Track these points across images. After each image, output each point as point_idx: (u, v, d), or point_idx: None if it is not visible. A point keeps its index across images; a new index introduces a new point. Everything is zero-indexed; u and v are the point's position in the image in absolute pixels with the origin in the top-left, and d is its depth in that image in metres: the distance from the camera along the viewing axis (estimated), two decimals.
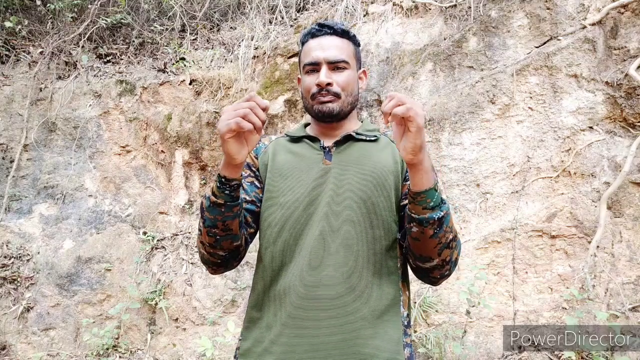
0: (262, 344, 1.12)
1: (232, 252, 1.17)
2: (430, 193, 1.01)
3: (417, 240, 1.07)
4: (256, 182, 1.27)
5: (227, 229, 1.11)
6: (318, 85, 1.22)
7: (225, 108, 1.00)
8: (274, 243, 1.18)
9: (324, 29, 1.26)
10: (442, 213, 1.03)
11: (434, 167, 1.05)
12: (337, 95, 1.23)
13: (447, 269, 1.11)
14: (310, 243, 1.13)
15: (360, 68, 1.33)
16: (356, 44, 1.32)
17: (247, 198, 1.24)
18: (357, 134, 1.27)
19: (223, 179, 1.06)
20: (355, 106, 1.30)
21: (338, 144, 1.25)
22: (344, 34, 1.27)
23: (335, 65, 1.23)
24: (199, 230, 1.15)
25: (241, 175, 1.09)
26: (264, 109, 1.00)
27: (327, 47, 1.24)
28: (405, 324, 1.16)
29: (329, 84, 1.21)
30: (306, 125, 1.38)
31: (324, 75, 1.21)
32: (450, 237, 1.07)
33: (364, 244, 1.14)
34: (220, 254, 1.16)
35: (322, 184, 1.19)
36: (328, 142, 1.27)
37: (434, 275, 1.13)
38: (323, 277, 1.10)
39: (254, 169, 1.29)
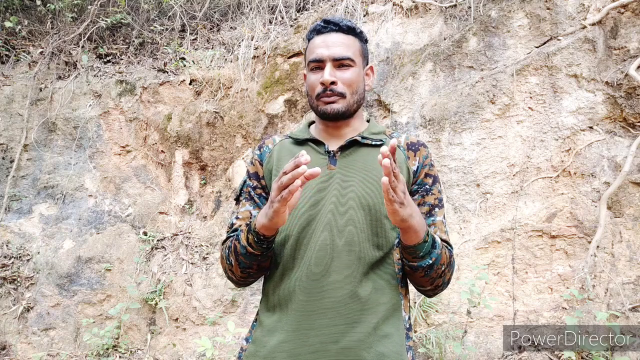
0: (266, 347, 1.12)
1: (260, 276, 1.26)
2: (419, 246, 1.06)
3: (410, 275, 1.16)
4: (264, 194, 1.28)
5: (261, 268, 1.19)
6: (322, 84, 1.20)
7: (274, 185, 0.99)
8: (281, 249, 1.19)
9: (329, 25, 1.24)
10: (431, 260, 1.09)
11: (424, 222, 1.08)
12: (342, 95, 1.20)
13: (440, 289, 1.20)
14: (313, 249, 1.13)
15: (367, 64, 1.31)
16: (363, 40, 1.29)
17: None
18: (362, 137, 1.23)
19: (262, 237, 1.09)
20: (362, 103, 1.28)
21: (343, 148, 1.22)
22: (350, 30, 1.25)
23: (340, 63, 1.21)
24: (229, 262, 1.19)
25: (277, 231, 1.12)
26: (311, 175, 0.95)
27: (332, 45, 1.21)
28: (407, 327, 1.17)
29: (333, 83, 1.19)
30: (310, 124, 1.35)
31: (327, 74, 1.19)
32: (441, 270, 1.13)
33: (367, 250, 1.13)
34: (250, 280, 1.24)
35: (326, 189, 1.17)
36: (333, 146, 1.24)
37: (427, 294, 1.23)
38: (326, 283, 1.10)
39: (260, 177, 1.29)
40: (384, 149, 0.90)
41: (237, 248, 1.15)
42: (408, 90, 3.62)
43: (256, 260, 1.14)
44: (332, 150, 1.23)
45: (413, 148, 1.25)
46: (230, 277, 1.25)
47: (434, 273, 1.11)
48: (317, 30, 1.26)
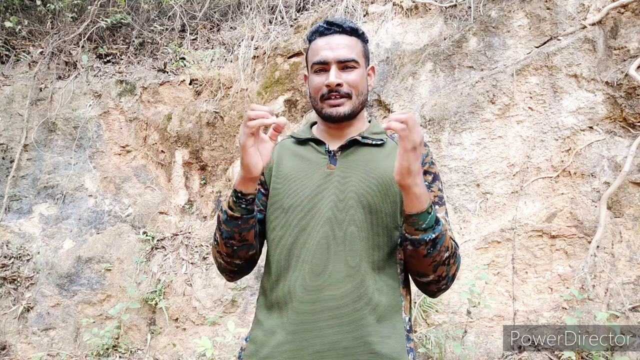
0: (266, 347, 1.12)
1: (248, 260, 1.23)
2: (422, 216, 1.04)
3: (412, 258, 1.11)
4: (262, 189, 1.28)
5: (244, 240, 1.16)
6: (328, 86, 1.19)
7: (241, 125, 1.07)
8: (278, 247, 1.18)
9: (332, 27, 1.23)
10: (434, 235, 1.05)
11: (427, 193, 1.06)
12: (348, 96, 1.20)
13: (443, 283, 1.14)
14: (313, 247, 1.13)
15: (368, 65, 1.31)
16: (365, 41, 1.29)
17: (255, 208, 1.25)
18: (363, 137, 1.24)
19: (239, 194, 1.10)
20: (365, 105, 1.28)
21: (343, 148, 1.23)
22: (353, 32, 1.24)
23: (344, 65, 1.20)
24: (216, 240, 1.20)
25: (256, 189, 1.13)
26: (278, 127, 1.05)
27: (336, 47, 1.21)
28: (408, 328, 1.16)
29: (339, 85, 1.19)
30: (312, 124, 1.36)
31: (333, 76, 1.19)
32: (446, 255, 1.09)
33: (367, 249, 1.13)
34: (236, 262, 1.21)
35: (325, 188, 1.17)
36: (334, 146, 1.25)
37: (430, 289, 1.17)
38: (326, 282, 1.10)
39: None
40: (390, 124, 0.95)
41: (220, 217, 1.16)
42: (408, 90, 3.62)
43: (237, 226, 1.13)
44: (333, 150, 1.23)
45: None
46: (218, 264, 1.24)
47: (436, 254, 1.07)
48: (320, 32, 1.25)
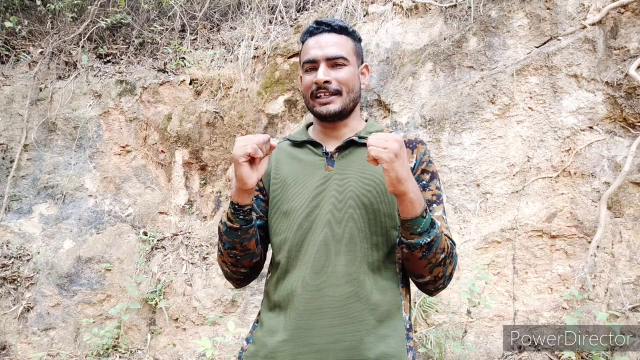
0: (267, 347, 1.13)
1: (252, 268, 1.25)
2: (417, 220, 1.05)
3: (408, 260, 1.13)
4: (261, 196, 1.29)
5: (246, 249, 1.18)
6: (316, 83, 1.20)
7: (239, 137, 1.08)
8: (281, 250, 1.19)
9: (321, 26, 1.25)
10: (429, 238, 1.07)
11: (422, 197, 1.08)
12: (338, 93, 1.21)
13: (440, 283, 1.15)
14: (313, 249, 1.14)
15: (362, 63, 1.31)
16: (356, 39, 1.29)
17: (255, 214, 1.26)
18: (359, 137, 1.24)
19: (236, 206, 1.12)
20: (358, 102, 1.28)
21: (340, 149, 1.23)
22: (342, 30, 1.26)
23: (333, 62, 1.21)
24: (220, 251, 1.22)
25: (253, 200, 1.15)
26: (271, 147, 1.10)
27: (325, 45, 1.23)
28: (407, 327, 1.16)
29: (327, 82, 1.20)
30: (308, 125, 1.36)
31: (322, 73, 1.20)
32: (441, 257, 1.10)
33: (366, 250, 1.14)
34: (242, 271, 1.23)
35: (324, 190, 1.18)
36: (330, 147, 1.25)
37: (428, 289, 1.18)
38: (326, 283, 1.11)
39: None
40: (368, 157, 1.00)
41: (220, 229, 1.18)
42: (408, 90, 3.62)
43: (237, 237, 1.15)
44: (330, 152, 1.24)
45: (411, 146, 1.25)
46: (225, 272, 1.26)
47: (432, 256, 1.08)
48: (310, 32, 1.27)
